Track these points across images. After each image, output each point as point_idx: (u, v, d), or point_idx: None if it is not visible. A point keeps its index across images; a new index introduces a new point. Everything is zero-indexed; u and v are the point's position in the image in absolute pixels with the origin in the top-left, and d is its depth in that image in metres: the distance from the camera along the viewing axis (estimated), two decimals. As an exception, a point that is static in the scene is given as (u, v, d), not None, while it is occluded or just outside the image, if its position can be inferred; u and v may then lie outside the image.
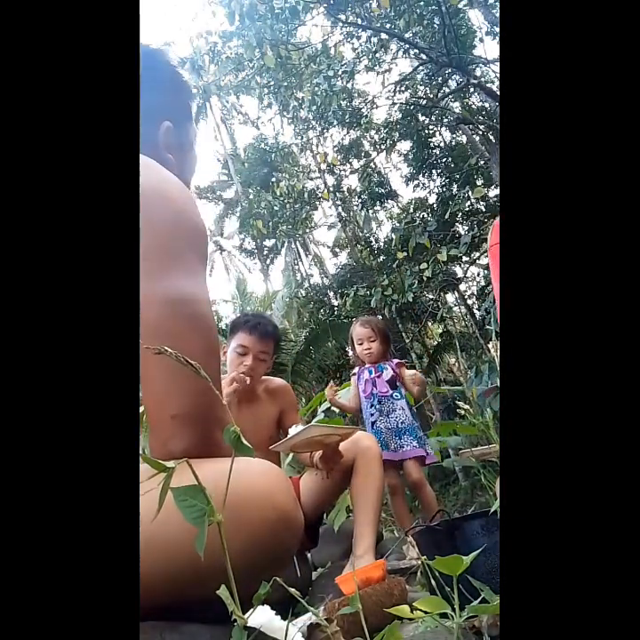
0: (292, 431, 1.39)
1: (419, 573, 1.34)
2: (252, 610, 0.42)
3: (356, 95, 8.24)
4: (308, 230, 11.90)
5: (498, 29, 7.42)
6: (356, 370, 2.38)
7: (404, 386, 2.25)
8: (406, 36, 6.28)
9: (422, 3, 6.13)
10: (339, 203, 11.26)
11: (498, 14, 7.18)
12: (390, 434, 2.13)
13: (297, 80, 7.03)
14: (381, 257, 9.44)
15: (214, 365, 0.61)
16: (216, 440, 0.56)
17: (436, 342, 12.88)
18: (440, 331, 13.44)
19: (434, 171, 9.89)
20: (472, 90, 7.66)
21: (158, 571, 0.48)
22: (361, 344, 2.31)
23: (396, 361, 2.32)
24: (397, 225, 7.63)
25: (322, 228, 15.09)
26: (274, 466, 0.60)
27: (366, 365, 2.33)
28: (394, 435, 2.14)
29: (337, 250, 14.40)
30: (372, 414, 2.23)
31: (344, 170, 9.58)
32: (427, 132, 9.60)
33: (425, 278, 6.29)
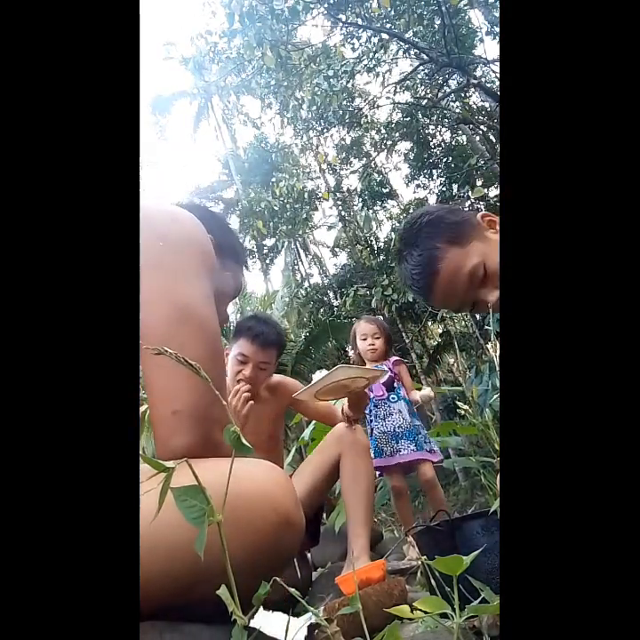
0: (316, 377, 1.24)
1: (419, 573, 1.34)
2: (253, 610, 0.42)
3: (357, 95, 8.23)
4: (308, 230, 11.90)
5: (498, 29, 7.41)
6: None
7: (403, 386, 2.20)
8: (406, 36, 6.27)
9: (422, 3, 6.13)
10: (339, 203, 11.25)
11: (498, 14, 7.17)
12: (386, 438, 2.06)
13: (297, 80, 7.02)
14: (381, 257, 9.43)
15: (218, 368, 0.65)
16: (217, 439, 0.57)
17: (435, 342, 12.88)
18: (440, 331, 13.43)
19: (434, 171, 9.87)
20: (472, 90, 7.65)
21: (159, 571, 0.48)
22: (365, 339, 2.24)
23: (393, 359, 2.24)
24: (397, 225, 7.62)
25: (322, 228, 15.07)
26: (276, 467, 0.60)
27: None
28: (390, 439, 2.06)
29: (337, 250, 14.38)
30: (369, 419, 2.17)
31: (344, 169, 9.57)
32: (427, 132, 9.58)
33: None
